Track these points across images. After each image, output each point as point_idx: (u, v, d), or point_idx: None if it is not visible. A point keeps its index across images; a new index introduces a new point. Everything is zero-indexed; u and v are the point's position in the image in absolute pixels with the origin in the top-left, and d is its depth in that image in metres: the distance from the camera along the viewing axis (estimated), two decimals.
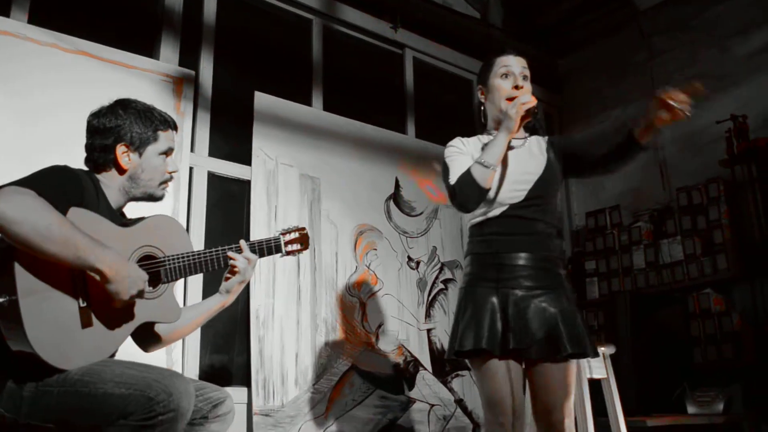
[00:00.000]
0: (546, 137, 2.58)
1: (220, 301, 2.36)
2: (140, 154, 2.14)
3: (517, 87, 2.47)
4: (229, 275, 2.32)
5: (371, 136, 4.53)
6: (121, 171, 2.13)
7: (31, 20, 3.29)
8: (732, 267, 4.62)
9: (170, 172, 2.21)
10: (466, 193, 2.34)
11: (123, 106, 2.16)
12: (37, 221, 1.74)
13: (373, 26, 4.83)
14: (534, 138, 2.57)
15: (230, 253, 2.26)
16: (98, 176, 2.13)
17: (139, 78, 3.50)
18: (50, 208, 1.78)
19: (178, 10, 3.87)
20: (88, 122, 2.15)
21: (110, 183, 2.13)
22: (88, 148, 2.15)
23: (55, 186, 1.87)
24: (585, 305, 5.36)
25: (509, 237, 2.37)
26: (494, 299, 2.32)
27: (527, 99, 2.34)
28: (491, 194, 2.39)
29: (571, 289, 2.40)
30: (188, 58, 3.86)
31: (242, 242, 2.29)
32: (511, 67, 2.51)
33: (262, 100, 4.04)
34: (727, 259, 4.64)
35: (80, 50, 3.35)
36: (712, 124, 4.85)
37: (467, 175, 2.34)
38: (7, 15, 3.24)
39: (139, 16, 3.84)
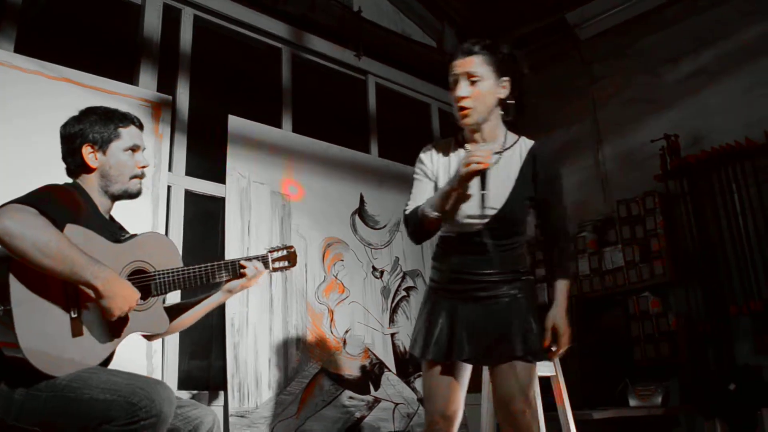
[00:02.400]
0: (530, 147, 2.31)
1: (222, 298, 2.40)
2: (104, 152, 2.15)
3: (460, 97, 2.20)
4: (236, 278, 2.35)
5: (337, 155, 4.57)
6: (90, 170, 2.14)
7: (18, 49, 3.27)
8: (668, 272, 4.71)
9: (141, 167, 2.21)
10: (412, 230, 2.32)
11: (85, 112, 2.18)
12: (38, 238, 1.76)
13: (338, 54, 4.86)
14: (518, 146, 2.32)
15: (243, 262, 2.32)
16: (80, 182, 2.14)
17: (119, 103, 3.48)
18: (49, 226, 1.80)
19: (156, 39, 3.87)
20: (60, 134, 2.17)
21: (90, 186, 2.15)
22: (63, 156, 2.17)
23: (53, 204, 1.88)
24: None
25: (466, 256, 2.29)
26: (446, 309, 2.29)
27: (480, 158, 2.04)
28: (456, 215, 2.26)
29: (528, 296, 2.26)
30: (166, 84, 3.85)
31: (242, 260, 2.34)
32: (456, 74, 2.23)
33: (235, 122, 4.05)
34: (663, 265, 4.73)
35: (63, 77, 3.33)
36: (647, 143, 4.98)
37: (414, 214, 2.27)
38: None
39: (119, 44, 3.84)
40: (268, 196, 4.08)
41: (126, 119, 2.21)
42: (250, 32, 4.42)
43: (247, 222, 3.91)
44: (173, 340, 3.51)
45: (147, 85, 3.75)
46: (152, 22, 3.88)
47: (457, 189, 2.12)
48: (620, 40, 5.42)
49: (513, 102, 2.26)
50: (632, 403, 4.40)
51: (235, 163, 3.98)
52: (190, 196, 3.84)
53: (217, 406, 3.55)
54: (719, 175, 4.58)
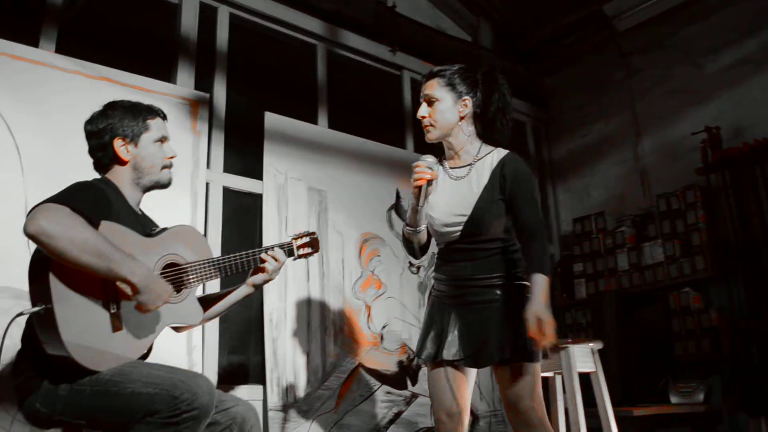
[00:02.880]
0: (501, 156, 2.39)
1: (246, 292, 2.40)
2: (136, 144, 2.16)
3: (420, 116, 2.42)
4: (258, 272, 2.36)
5: (373, 151, 4.55)
6: (123, 163, 2.15)
7: (58, 50, 3.31)
8: (709, 267, 4.61)
9: (170, 158, 2.23)
10: (406, 248, 2.56)
11: (111, 106, 2.19)
12: (75, 236, 1.76)
13: (373, 50, 4.84)
14: (490, 156, 2.41)
15: (262, 255, 2.31)
16: (110, 178, 2.15)
17: (157, 101, 3.45)
18: (85, 224, 1.81)
19: (193, 38, 3.89)
20: (85, 129, 2.18)
21: (121, 180, 2.16)
22: (91, 152, 2.18)
23: (87, 202, 1.89)
24: (574, 304, 5.36)
25: (454, 264, 2.40)
26: (442, 313, 2.40)
27: (421, 174, 2.29)
28: (434, 227, 2.43)
29: (520, 299, 2.26)
30: (203, 82, 3.87)
31: (274, 248, 2.35)
32: (421, 96, 2.45)
33: (271, 119, 4.06)
34: (704, 260, 4.64)
35: (102, 76, 3.36)
36: (687, 135, 4.87)
37: (403, 233, 2.51)
38: (36, 45, 3.26)
39: (157, 43, 3.86)
40: (305, 192, 4.08)
41: (152, 111, 2.24)
42: (285, 29, 4.42)
43: (284, 218, 3.91)
44: (213, 335, 3.54)
45: (185, 83, 3.78)
46: (189, 21, 3.89)
47: (413, 204, 2.36)
48: (659, 31, 5.31)
49: (489, 118, 2.41)
50: (673, 399, 4.31)
51: (272, 159, 3.98)
52: (228, 192, 3.85)
53: (256, 401, 3.55)
54: (762, 168, 4.46)
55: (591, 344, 3.35)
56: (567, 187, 5.95)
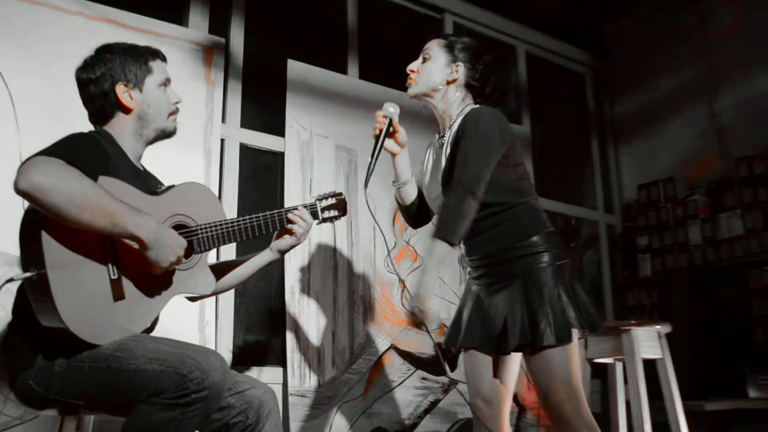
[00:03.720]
0: (464, 115, 2.41)
1: (270, 258, 2.39)
2: (141, 89, 2.15)
3: (409, 69, 2.55)
4: (285, 235, 2.34)
5: (410, 105, 4.46)
6: (127, 111, 2.14)
7: None
8: None
9: (174, 103, 2.22)
10: (399, 211, 2.74)
11: (107, 50, 2.17)
12: (72, 190, 1.75)
13: None
14: (459, 119, 2.44)
15: (290, 216, 2.30)
16: (108, 130, 2.14)
17: (167, 46, 3.46)
18: (83, 177, 1.79)
19: None
20: (78, 77, 2.16)
21: (122, 131, 2.14)
22: (87, 101, 2.16)
23: (83, 154, 1.87)
24: (637, 283, 5.32)
25: (466, 243, 2.42)
26: (469, 296, 2.47)
27: (376, 125, 2.47)
28: (430, 203, 2.54)
29: (533, 274, 2.25)
30: (218, 25, 3.85)
31: (300, 207, 2.33)
32: (422, 53, 2.56)
33: (295, 68, 4.02)
34: None
35: (107, 18, 3.35)
36: None
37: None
38: None
39: None
40: (332, 150, 4.05)
41: (152, 53, 2.22)
42: None
43: (308, 179, 3.89)
44: (227, 311, 3.55)
45: (197, 26, 3.76)
46: None
47: (371, 158, 2.43)
48: None
49: (486, 95, 2.49)
50: (752, 393, 4.23)
51: (296, 113, 3.95)
52: (245, 150, 3.84)
53: (275, 384, 3.56)
54: None
55: (658, 327, 3.30)
56: (631, 149, 5.87)
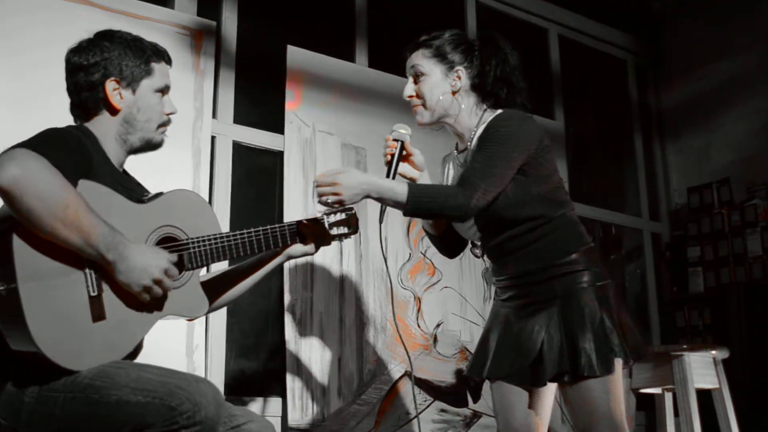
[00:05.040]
0: (488, 122, 2.44)
1: (279, 261, 2.41)
2: (134, 91, 2.15)
3: (406, 96, 2.54)
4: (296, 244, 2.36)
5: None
6: (114, 111, 2.14)
7: None
8: None
9: (168, 114, 2.23)
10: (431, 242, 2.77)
11: (107, 37, 2.17)
12: (52, 198, 1.75)
13: None
14: (481, 128, 2.47)
15: (304, 228, 2.32)
16: (90, 128, 2.14)
17: (150, 30, 3.48)
18: (68, 185, 1.80)
19: None
20: (68, 60, 2.16)
21: (105, 132, 2.14)
22: (73, 89, 2.16)
23: (67, 154, 1.88)
24: (687, 300, 5.31)
25: (495, 263, 2.49)
26: (494, 321, 2.50)
27: (387, 150, 2.47)
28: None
29: (578, 295, 2.30)
30: (208, 6, 3.86)
31: (305, 221, 2.35)
32: (407, 71, 2.54)
33: (296, 55, 4.03)
34: None
35: None
36: None
37: None
38: None
39: None
40: (338, 149, 4.06)
41: (158, 53, 2.22)
42: None
43: (311, 182, 3.89)
44: (219, 333, 3.55)
45: (184, 7, 3.77)
46: None
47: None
48: None
49: (488, 90, 2.47)
50: None
51: (296, 107, 3.96)
52: (239, 149, 3.85)
53: (274, 417, 3.58)
54: None
55: (713, 352, 3.31)
56: (680, 146, 5.87)
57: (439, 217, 2.47)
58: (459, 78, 2.46)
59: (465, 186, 2.26)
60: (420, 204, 2.26)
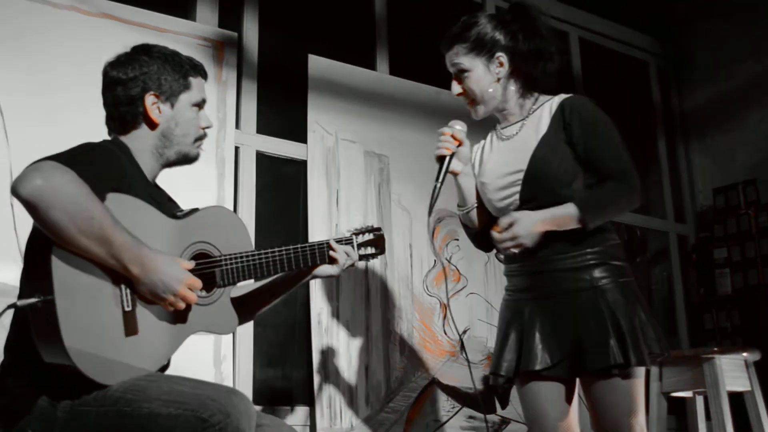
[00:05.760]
0: (561, 101, 2.46)
1: (305, 281, 2.44)
2: (172, 105, 2.17)
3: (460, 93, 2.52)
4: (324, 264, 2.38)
5: (448, 103, 4.46)
6: (153, 126, 2.16)
7: None
8: None
9: (204, 128, 2.24)
10: (468, 237, 2.72)
11: (145, 51, 2.18)
12: (77, 210, 1.76)
13: None
14: (548, 104, 2.48)
15: (332, 253, 2.34)
16: (126, 141, 2.15)
17: (173, 43, 3.43)
18: (92, 196, 1.80)
19: None
20: (106, 74, 2.17)
21: (141, 146, 2.16)
22: (111, 103, 2.17)
23: (97, 168, 1.89)
24: (715, 302, 5.27)
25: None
26: (517, 314, 2.45)
27: (444, 144, 2.44)
28: (491, 202, 2.51)
29: (618, 284, 2.31)
30: (230, 18, 3.89)
31: (332, 241, 2.36)
32: (449, 68, 2.53)
33: (317, 64, 4.05)
34: None
35: (103, 13, 3.39)
36: None
37: (459, 218, 2.69)
38: None
39: None
40: (361, 157, 4.07)
41: (195, 67, 2.24)
42: None
43: (335, 191, 3.91)
44: (247, 343, 3.56)
45: (206, 20, 3.79)
46: None
47: (436, 182, 2.46)
48: None
49: (532, 70, 2.48)
50: None
51: (319, 116, 3.98)
52: (262, 159, 3.87)
53: (302, 426, 3.59)
54: None
55: (745, 354, 3.28)
56: (705, 147, 5.84)
57: (620, 214, 2.48)
58: (502, 65, 2.45)
59: (618, 176, 2.31)
60: (599, 214, 2.29)
